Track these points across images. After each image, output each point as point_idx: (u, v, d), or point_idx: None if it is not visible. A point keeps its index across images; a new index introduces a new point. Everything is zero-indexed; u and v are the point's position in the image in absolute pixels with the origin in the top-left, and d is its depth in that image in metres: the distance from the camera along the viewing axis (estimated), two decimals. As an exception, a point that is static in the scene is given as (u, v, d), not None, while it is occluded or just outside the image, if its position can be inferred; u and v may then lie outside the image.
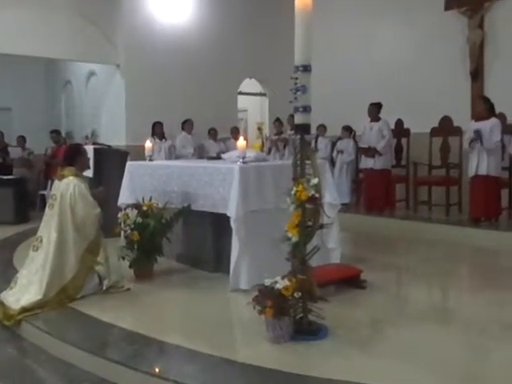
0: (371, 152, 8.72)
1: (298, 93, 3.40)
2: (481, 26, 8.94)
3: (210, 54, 10.75)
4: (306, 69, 3.39)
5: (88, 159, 5.04)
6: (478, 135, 7.18)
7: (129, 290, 4.79)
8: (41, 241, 4.55)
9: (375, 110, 8.78)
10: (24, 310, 4.18)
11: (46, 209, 4.71)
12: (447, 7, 9.36)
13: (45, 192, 10.14)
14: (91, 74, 11.29)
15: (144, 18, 10.07)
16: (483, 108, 7.38)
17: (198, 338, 3.63)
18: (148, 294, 4.73)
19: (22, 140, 10.88)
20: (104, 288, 4.68)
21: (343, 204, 8.28)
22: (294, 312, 3.45)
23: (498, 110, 7.49)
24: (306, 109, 3.42)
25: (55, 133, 10.76)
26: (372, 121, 8.83)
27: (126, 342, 3.63)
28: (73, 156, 4.83)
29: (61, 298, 4.39)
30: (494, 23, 8.86)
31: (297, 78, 3.40)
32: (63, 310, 4.30)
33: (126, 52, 9.94)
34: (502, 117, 7.72)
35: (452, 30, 9.27)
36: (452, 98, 9.11)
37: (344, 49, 11.09)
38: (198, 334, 3.76)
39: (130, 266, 5.14)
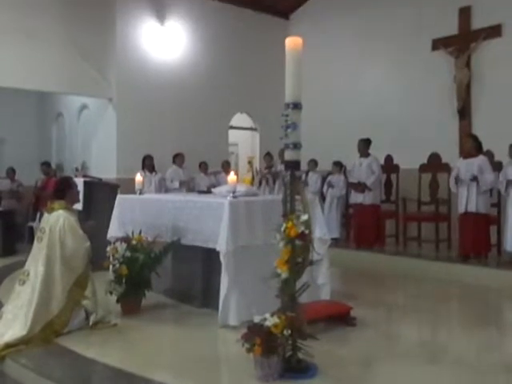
0: (361, 187, 8.77)
1: (289, 130, 3.43)
2: (468, 65, 9.15)
3: (201, 88, 10.87)
4: (297, 106, 3.43)
5: (78, 192, 5.04)
6: (475, 179, 7.25)
7: (116, 325, 4.72)
8: (27, 274, 4.49)
9: (364, 145, 8.87)
10: (8, 345, 4.10)
11: (35, 242, 4.66)
12: (434, 47, 9.59)
13: (33, 224, 10.05)
14: (83, 107, 11.35)
15: (137, 54, 10.18)
16: (472, 146, 7.49)
17: (186, 376, 3.57)
18: (135, 329, 4.67)
19: (11, 172, 10.85)
20: (90, 323, 4.61)
21: (333, 239, 8.28)
22: (283, 350, 3.41)
23: (485, 147, 7.60)
24: (297, 145, 3.45)
25: (45, 165, 10.75)
26: (361, 156, 8.91)
27: (111, 380, 3.56)
28: (63, 189, 4.81)
29: (46, 334, 4.31)
30: (480, 63, 9.07)
31: (287, 115, 3.44)
32: (48, 346, 4.22)
33: (118, 86, 10.02)
34: (489, 154, 7.83)
35: (439, 69, 9.48)
36: (440, 135, 9.28)
37: (334, 85, 11.28)
38: (185, 371, 3.70)
39: (118, 301, 5.08)
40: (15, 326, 4.27)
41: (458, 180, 7.42)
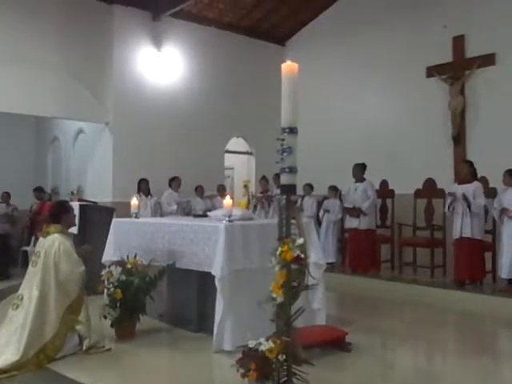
0: (356, 212, 8.79)
1: (285, 154, 3.45)
2: (462, 92, 9.26)
3: (198, 113, 10.95)
4: (293, 131, 3.45)
5: (74, 216, 5.03)
6: (465, 199, 7.30)
7: (109, 350, 4.68)
8: (21, 299, 4.46)
9: (359, 170, 8.91)
10: (0, 371, 4.04)
11: (29, 266, 4.64)
12: (429, 74, 9.70)
13: (28, 248, 10.00)
14: (79, 131, 11.38)
15: (133, 79, 10.27)
16: (467, 172, 7.55)
17: (180, 402, 3.53)
18: (129, 354, 4.63)
19: (6, 196, 10.82)
20: (84, 348, 4.57)
21: (329, 263, 8.31)
22: (277, 375, 3.38)
23: (479, 174, 7.65)
24: (292, 170, 3.47)
25: (38, 190, 10.72)
26: (357, 181, 8.95)
27: (104, 406, 3.52)
28: (59, 213, 4.81)
29: (39, 359, 4.27)
30: (474, 91, 9.19)
31: (283, 140, 3.46)
32: (41, 372, 4.18)
33: (114, 110, 10.07)
34: (484, 181, 7.88)
35: (434, 95, 9.58)
36: (435, 161, 9.34)
37: (329, 111, 11.39)
38: (179, 397, 3.66)
39: (112, 326, 5.04)
40: (8, 351, 4.22)
41: (452, 204, 7.48)
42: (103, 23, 10.05)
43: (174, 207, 9.79)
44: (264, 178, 10.59)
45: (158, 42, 10.57)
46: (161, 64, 10.66)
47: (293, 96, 3.45)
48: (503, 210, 7.27)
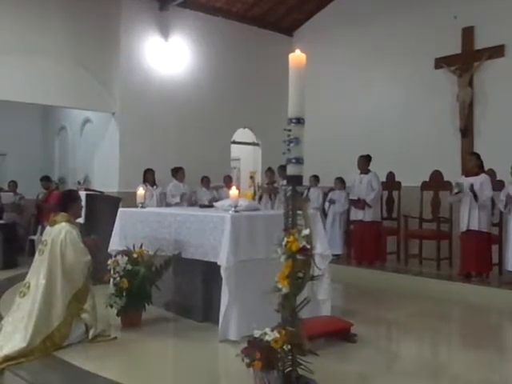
0: (361, 204, 8.77)
1: (291, 145, 3.44)
2: (470, 84, 9.20)
3: (204, 103, 10.94)
4: (299, 121, 3.43)
5: (82, 206, 5.04)
6: (472, 191, 7.28)
7: (115, 338, 4.70)
8: (28, 287, 4.48)
9: (364, 162, 8.88)
10: (7, 358, 4.08)
11: (36, 255, 4.66)
12: (437, 65, 9.64)
13: (34, 237, 10.06)
14: (86, 120, 11.40)
15: (141, 69, 10.26)
16: (475, 164, 7.51)
17: (185, 391, 3.55)
18: (135, 343, 4.65)
19: (13, 185, 10.89)
20: (90, 337, 4.59)
21: (335, 255, 8.31)
22: (282, 365, 3.38)
23: (486, 166, 7.63)
24: (299, 160, 3.45)
25: (45, 179, 10.76)
26: (362, 173, 8.92)
27: (110, 393, 3.54)
28: (67, 202, 4.82)
29: (46, 347, 4.29)
30: (483, 82, 9.12)
31: (290, 130, 3.45)
32: (47, 359, 4.20)
33: (121, 100, 10.07)
34: (491, 173, 7.84)
35: (442, 87, 9.53)
36: (442, 153, 9.30)
37: (337, 102, 11.35)
38: (184, 386, 3.68)
39: (118, 314, 5.06)
40: (15, 339, 4.25)
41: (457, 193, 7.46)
42: (111, 13, 10.04)
43: (177, 199, 9.80)
44: (270, 169, 10.58)
45: (165, 31, 10.55)
46: (168, 54, 10.64)
47: (300, 86, 3.43)
48: (509, 200, 7.11)
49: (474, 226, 7.34)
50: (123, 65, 10.09)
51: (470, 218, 7.38)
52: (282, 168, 9.76)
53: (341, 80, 11.31)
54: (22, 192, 10.89)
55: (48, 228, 4.71)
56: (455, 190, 7.53)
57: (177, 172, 10.05)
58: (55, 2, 9.47)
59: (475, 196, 7.29)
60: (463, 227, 7.49)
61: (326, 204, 9.92)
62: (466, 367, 4.30)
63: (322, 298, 5.28)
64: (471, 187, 7.31)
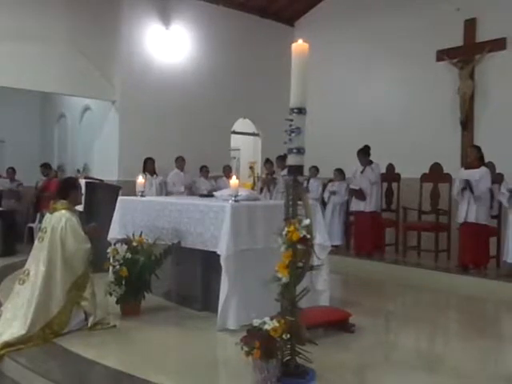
0: (362, 195, 8.77)
1: (293, 134, 3.43)
2: (471, 77, 9.17)
3: (204, 93, 10.89)
4: (301, 111, 3.43)
5: (82, 194, 5.04)
6: (467, 184, 7.28)
7: (115, 326, 4.72)
8: (28, 274, 4.48)
9: (363, 154, 8.84)
10: (7, 345, 4.09)
11: (35, 242, 4.66)
12: (439, 58, 9.61)
13: (33, 225, 10.06)
14: (86, 108, 11.36)
15: (141, 57, 10.21)
16: (475, 156, 7.50)
17: (184, 379, 3.57)
18: (134, 331, 4.67)
19: (11, 171, 10.85)
20: (89, 324, 4.60)
21: (335, 246, 8.33)
22: (281, 354, 3.40)
23: (487, 159, 7.61)
24: (300, 150, 3.45)
25: (44, 166, 10.75)
26: (362, 165, 8.91)
27: (109, 381, 3.56)
28: (67, 189, 4.81)
29: (45, 334, 4.31)
30: (484, 75, 9.10)
31: (292, 120, 3.44)
32: (46, 346, 4.22)
33: (121, 88, 10.03)
34: (491, 166, 7.84)
35: (443, 79, 9.50)
36: (442, 145, 9.29)
37: (337, 93, 11.33)
38: (183, 374, 3.70)
39: (117, 302, 5.08)
40: (14, 326, 4.26)
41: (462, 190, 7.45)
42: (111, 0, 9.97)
43: (182, 189, 9.81)
44: (268, 160, 10.55)
45: (166, 19, 10.48)
46: (169, 42, 10.57)
47: (302, 76, 3.42)
48: None
49: (472, 219, 7.35)
50: (123, 53, 10.04)
51: (468, 211, 7.39)
52: (281, 158, 9.75)
53: (341, 71, 11.27)
54: (19, 179, 10.86)
55: (48, 215, 4.70)
56: (460, 186, 7.50)
57: (176, 161, 10.06)
58: (55, -12, 9.41)
59: (471, 190, 7.29)
60: (461, 219, 7.50)
61: (326, 194, 9.92)
62: (465, 357, 4.32)
63: (321, 289, 5.29)
64: (467, 182, 7.30)
